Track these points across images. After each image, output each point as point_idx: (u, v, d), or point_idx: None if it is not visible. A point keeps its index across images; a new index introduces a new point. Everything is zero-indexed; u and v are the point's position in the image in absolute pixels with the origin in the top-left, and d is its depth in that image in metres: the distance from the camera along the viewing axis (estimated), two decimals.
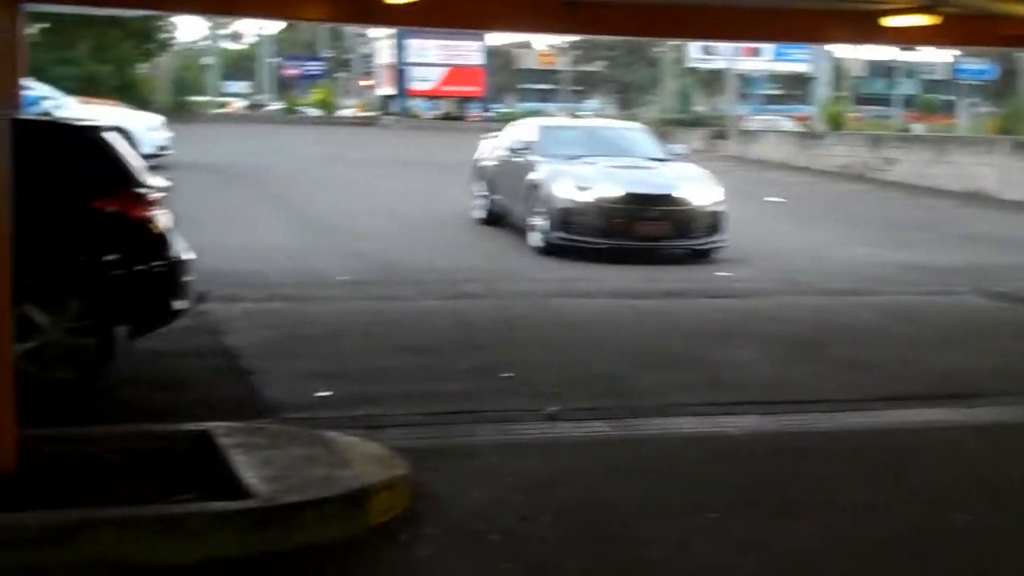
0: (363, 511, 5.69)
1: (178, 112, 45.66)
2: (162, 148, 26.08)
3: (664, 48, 57.57)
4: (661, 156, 17.84)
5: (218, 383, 8.66)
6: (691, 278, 14.70)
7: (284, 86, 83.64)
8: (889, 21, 12.79)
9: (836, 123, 35.99)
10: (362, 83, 78.27)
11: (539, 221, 16.14)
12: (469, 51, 54.23)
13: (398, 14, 12.25)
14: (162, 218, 8.61)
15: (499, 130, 21.10)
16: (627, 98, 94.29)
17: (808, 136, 36.53)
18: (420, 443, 7.22)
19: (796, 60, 63.60)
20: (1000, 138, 28.47)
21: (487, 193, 18.98)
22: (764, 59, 65.25)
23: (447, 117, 57.14)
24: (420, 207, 21.18)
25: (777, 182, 29.50)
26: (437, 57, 53.85)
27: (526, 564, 5.42)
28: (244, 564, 5.31)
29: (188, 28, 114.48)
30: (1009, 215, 23.36)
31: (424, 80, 54.29)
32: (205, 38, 78.14)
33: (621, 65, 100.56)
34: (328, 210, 20.46)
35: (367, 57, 73.46)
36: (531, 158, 17.16)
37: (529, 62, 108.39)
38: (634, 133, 19.32)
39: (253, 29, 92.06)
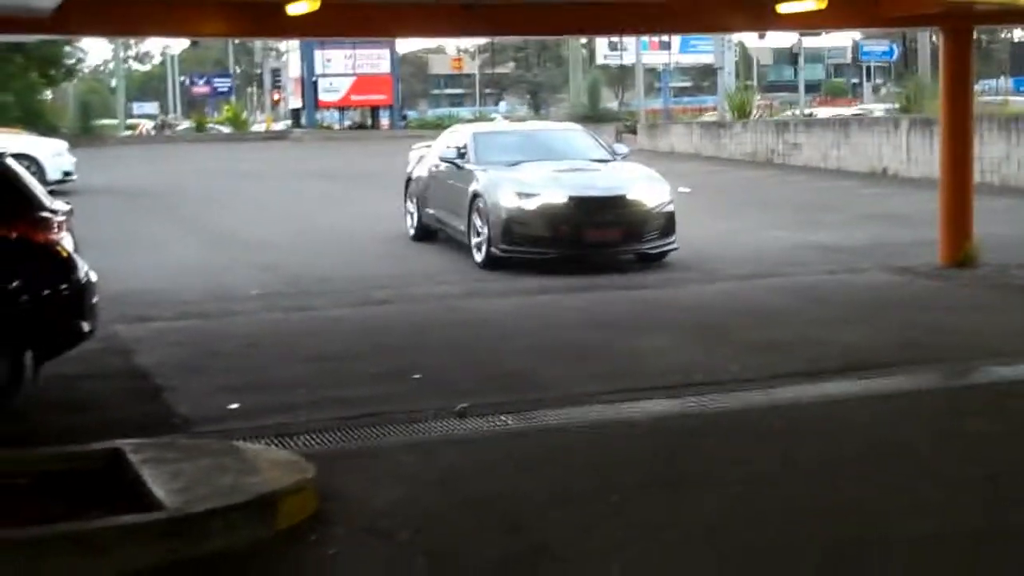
0: (271, 515, 5.79)
1: (85, 137, 45.36)
2: (67, 173, 26.01)
3: (573, 47, 57.87)
4: (605, 157, 16.85)
5: (130, 402, 8.69)
6: (607, 273, 14.85)
7: (194, 104, 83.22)
8: (782, 8, 13.12)
9: (742, 112, 36.47)
10: (273, 98, 78.02)
11: (479, 234, 15.17)
12: (377, 59, 54.18)
13: (299, 24, 12.31)
14: (66, 241, 8.66)
15: (414, 137, 21.04)
16: (539, 98, 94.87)
17: (716, 126, 37.01)
18: (330, 448, 7.36)
19: (702, 52, 64.36)
20: (901, 117, 29.02)
21: (418, 207, 17.94)
22: (672, 53, 65.97)
23: (358, 126, 57.16)
24: (335, 220, 21.20)
25: (686, 172, 29.78)
26: (345, 67, 53.81)
27: (433, 558, 5.54)
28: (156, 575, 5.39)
29: (95, 51, 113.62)
30: (911, 192, 23.83)
31: (333, 91, 54.20)
32: (111, 60, 77.34)
33: (531, 66, 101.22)
34: (238, 227, 20.45)
35: (277, 71, 73.22)
36: (467, 167, 16.12)
37: (441, 67, 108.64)
38: (574, 134, 18.19)
39: (160, 49, 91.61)
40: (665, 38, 59.62)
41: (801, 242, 17.57)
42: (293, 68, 58.85)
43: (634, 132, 40.70)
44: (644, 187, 15.43)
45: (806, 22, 14.93)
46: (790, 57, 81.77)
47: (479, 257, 15.18)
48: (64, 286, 8.45)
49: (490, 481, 6.67)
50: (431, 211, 17.47)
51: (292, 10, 11.73)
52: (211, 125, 59.46)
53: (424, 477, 6.70)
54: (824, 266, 15.19)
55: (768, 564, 5.35)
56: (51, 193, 9.30)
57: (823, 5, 12.57)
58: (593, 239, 14.94)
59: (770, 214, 21.51)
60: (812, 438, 7.45)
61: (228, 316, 12.25)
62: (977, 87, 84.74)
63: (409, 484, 6.59)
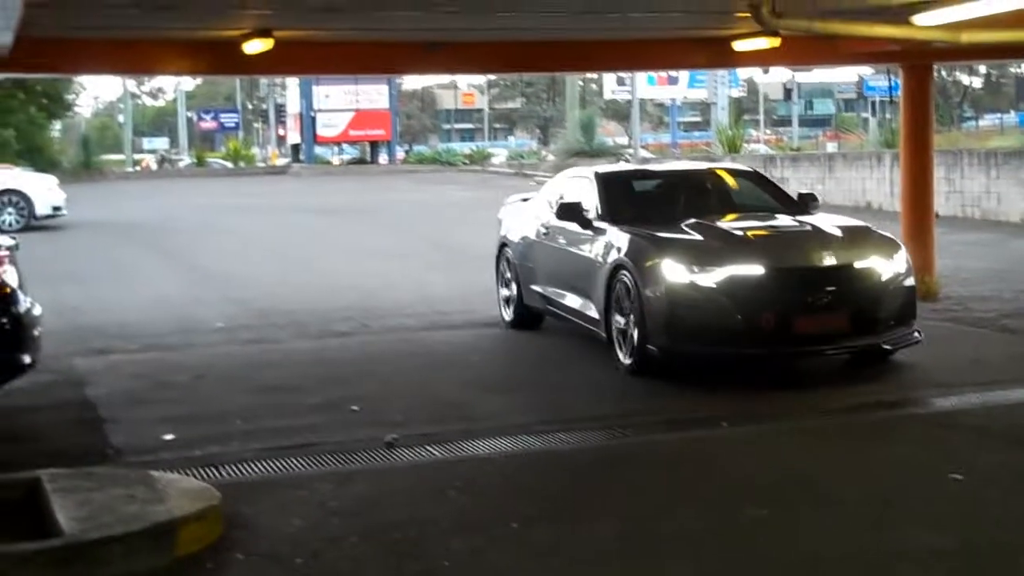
0: (171, 543, 5.95)
1: (85, 172, 45.81)
2: (57, 208, 26.26)
3: (570, 82, 58.30)
4: (793, 207, 11.95)
5: (70, 433, 8.87)
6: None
7: (202, 139, 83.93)
8: (737, 45, 13.33)
9: (732, 146, 36.75)
10: (279, 133, 78.64)
11: (625, 324, 10.52)
12: (376, 95, 54.65)
13: (258, 62, 12.52)
14: (8, 275, 8.84)
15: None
16: (548, 133, 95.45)
17: (706, 160, 37.27)
18: (252, 478, 7.52)
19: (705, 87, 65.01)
20: (884, 152, 29.22)
21: (519, 283, 13.05)
22: (678, 88, 66.56)
23: (357, 161, 57.59)
24: (328, 257, 21.39)
25: None
26: (342, 103, 54.24)
27: None
28: None
29: (108, 87, 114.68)
30: (892, 225, 23.78)
31: (331, 126, 54.62)
32: (125, 95, 77.85)
33: (541, 101, 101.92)
34: (220, 262, 20.59)
35: (282, 107, 73.76)
36: (598, 225, 11.38)
37: (450, 102, 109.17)
38: (741, 176, 13.19)
39: (172, 84, 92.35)
40: (674, 73, 60.25)
41: None
42: (292, 104, 59.34)
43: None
44: (874, 251, 10.67)
45: (765, 59, 15.21)
46: (797, 92, 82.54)
47: (625, 358, 10.58)
48: (3, 320, 8.64)
49: (399, 509, 6.82)
50: (539, 288, 12.61)
51: (248, 49, 11.99)
52: (212, 160, 59.87)
53: (335, 505, 6.86)
54: None
55: None
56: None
57: (777, 44, 12.71)
58: (807, 329, 10.14)
59: None
60: (720, 468, 7.61)
61: (187, 348, 12.43)
62: (983, 121, 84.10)
63: (318, 512, 6.74)
